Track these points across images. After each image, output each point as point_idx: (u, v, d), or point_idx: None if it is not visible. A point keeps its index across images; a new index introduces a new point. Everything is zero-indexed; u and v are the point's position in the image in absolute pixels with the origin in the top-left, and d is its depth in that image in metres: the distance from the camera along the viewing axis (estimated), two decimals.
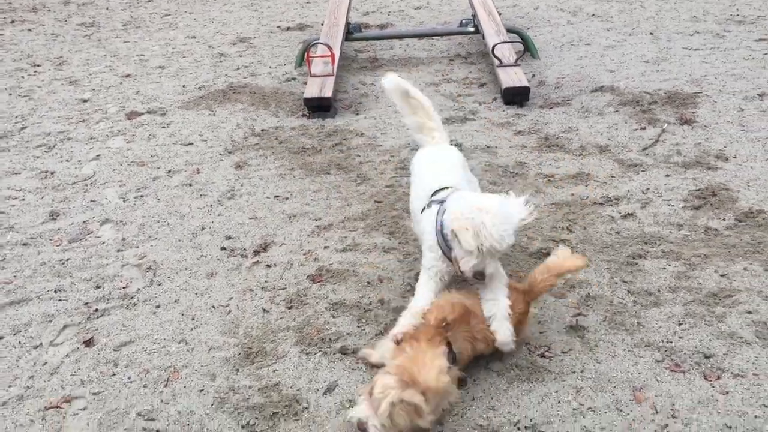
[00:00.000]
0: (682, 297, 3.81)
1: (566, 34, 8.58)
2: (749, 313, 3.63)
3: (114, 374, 3.49)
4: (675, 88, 6.62)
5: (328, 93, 6.55)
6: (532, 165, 5.42)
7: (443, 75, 7.50)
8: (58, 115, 6.86)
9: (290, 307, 3.93)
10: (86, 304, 4.04)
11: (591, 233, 4.46)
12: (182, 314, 3.92)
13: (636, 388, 3.20)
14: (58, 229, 4.84)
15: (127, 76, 7.92)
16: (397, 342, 3.20)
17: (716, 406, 3.08)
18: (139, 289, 4.16)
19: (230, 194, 5.21)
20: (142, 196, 5.25)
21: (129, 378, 3.45)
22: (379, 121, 6.40)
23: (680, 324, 3.60)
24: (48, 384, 3.44)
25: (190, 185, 5.38)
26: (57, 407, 3.29)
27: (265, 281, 4.18)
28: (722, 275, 3.95)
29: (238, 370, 3.47)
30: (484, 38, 7.71)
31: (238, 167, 5.62)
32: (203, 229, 4.77)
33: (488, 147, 5.74)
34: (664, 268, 4.06)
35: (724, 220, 4.52)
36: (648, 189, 4.95)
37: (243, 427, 3.12)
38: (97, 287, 4.19)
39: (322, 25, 8.27)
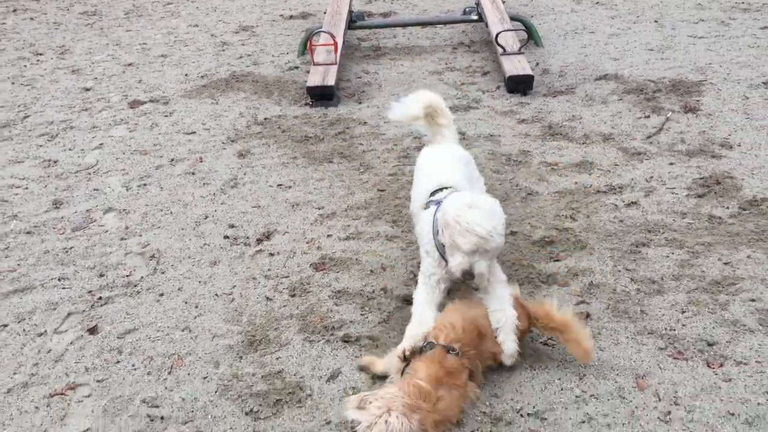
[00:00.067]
0: (685, 285, 3.80)
1: (570, 22, 8.53)
2: (753, 300, 3.63)
3: (118, 362, 3.50)
4: (679, 76, 6.59)
5: (330, 81, 6.53)
6: (536, 153, 5.41)
7: (446, 63, 7.47)
8: (60, 103, 6.85)
9: (293, 295, 3.93)
10: (90, 292, 4.05)
11: (594, 221, 4.46)
12: (186, 302, 3.93)
13: (639, 376, 3.21)
14: (62, 217, 4.85)
15: (130, 64, 7.91)
16: (403, 358, 3.12)
17: (719, 393, 3.08)
18: (142, 277, 4.17)
19: (233, 183, 5.21)
20: (145, 184, 5.25)
21: (133, 365, 3.47)
22: (382, 109, 6.38)
23: (683, 312, 3.60)
24: (52, 371, 3.45)
25: (193, 174, 5.37)
26: (62, 394, 3.31)
27: (269, 269, 4.18)
28: (726, 263, 3.95)
29: (241, 357, 3.48)
30: (487, 26, 7.67)
31: (241, 156, 5.62)
32: (206, 217, 4.77)
33: (491, 135, 5.73)
34: (668, 256, 4.05)
35: (727, 208, 4.51)
36: (652, 177, 4.94)
37: (247, 414, 3.13)
38: (101, 275, 4.20)
39: (325, 13, 8.24)
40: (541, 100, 6.41)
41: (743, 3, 8.84)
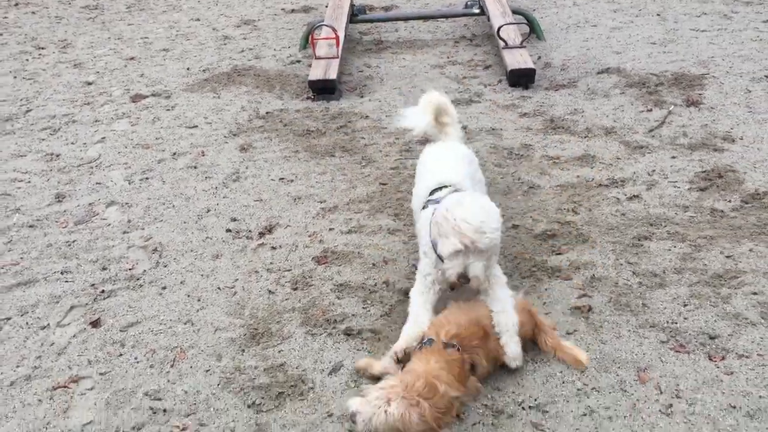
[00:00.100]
0: (687, 278, 3.80)
1: (572, 15, 8.51)
2: (755, 294, 3.63)
3: (121, 354, 3.51)
4: (682, 70, 6.58)
5: (332, 75, 6.52)
6: (538, 147, 5.40)
7: (448, 57, 7.45)
8: (62, 97, 6.85)
9: (295, 289, 3.94)
10: (93, 285, 4.06)
11: (596, 215, 4.45)
12: (188, 295, 3.93)
13: (640, 369, 3.21)
14: (64, 211, 4.86)
15: (132, 58, 7.90)
16: (397, 360, 3.12)
17: (720, 386, 3.08)
18: (145, 270, 4.18)
19: (235, 176, 5.21)
20: (147, 178, 5.25)
21: (136, 358, 3.48)
22: (384, 103, 6.38)
23: (685, 305, 3.60)
24: (55, 364, 3.46)
25: (195, 168, 5.38)
26: (64, 387, 3.32)
27: (271, 263, 4.19)
28: (728, 256, 3.95)
29: (244, 350, 3.49)
30: (489, 20, 7.65)
31: (243, 150, 5.62)
32: (208, 211, 4.78)
33: (493, 129, 5.72)
34: (670, 250, 4.05)
35: (730, 201, 4.50)
36: (654, 171, 4.94)
37: (249, 406, 3.14)
38: (104, 269, 4.21)
39: (327, 7, 8.22)
40: (543, 93, 6.40)
41: None
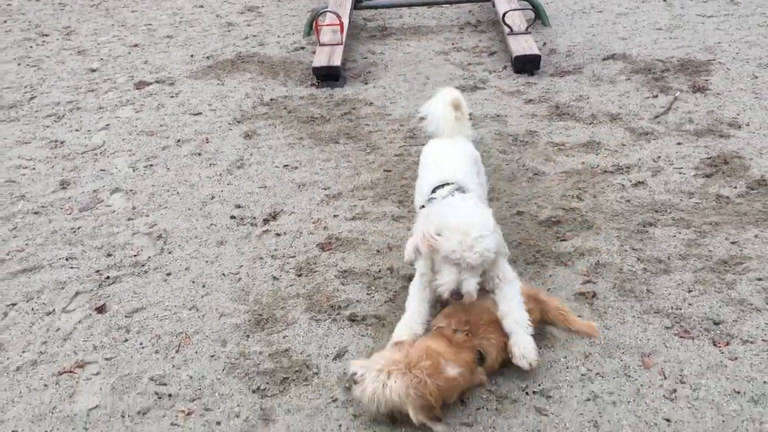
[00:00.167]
0: (692, 264, 3.79)
1: (578, 1, 8.45)
2: (759, 280, 3.62)
3: (126, 340, 3.53)
4: (688, 56, 6.53)
5: (336, 62, 6.50)
6: (543, 133, 5.38)
7: (453, 43, 7.42)
8: (66, 84, 6.85)
9: (300, 275, 3.94)
10: (98, 271, 4.08)
11: (601, 201, 4.44)
12: (193, 282, 3.94)
13: (644, 354, 3.21)
14: (69, 197, 4.87)
15: (135, 45, 7.89)
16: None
17: (725, 371, 3.08)
18: (149, 257, 4.19)
19: (239, 163, 5.21)
20: (151, 165, 5.26)
21: (141, 344, 3.49)
22: (388, 90, 6.36)
23: (690, 291, 3.59)
24: (61, 350, 3.48)
25: (200, 154, 5.38)
26: (70, 372, 3.34)
27: (275, 249, 4.19)
28: (733, 242, 3.94)
29: (248, 336, 3.50)
30: (494, 6, 7.62)
31: (247, 137, 5.61)
32: (213, 198, 4.78)
33: (498, 116, 5.70)
34: (675, 236, 4.04)
35: (735, 188, 4.49)
36: (659, 157, 4.92)
37: (254, 391, 3.15)
38: (108, 255, 4.22)
39: None
40: (548, 80, 6.37)
41: None
